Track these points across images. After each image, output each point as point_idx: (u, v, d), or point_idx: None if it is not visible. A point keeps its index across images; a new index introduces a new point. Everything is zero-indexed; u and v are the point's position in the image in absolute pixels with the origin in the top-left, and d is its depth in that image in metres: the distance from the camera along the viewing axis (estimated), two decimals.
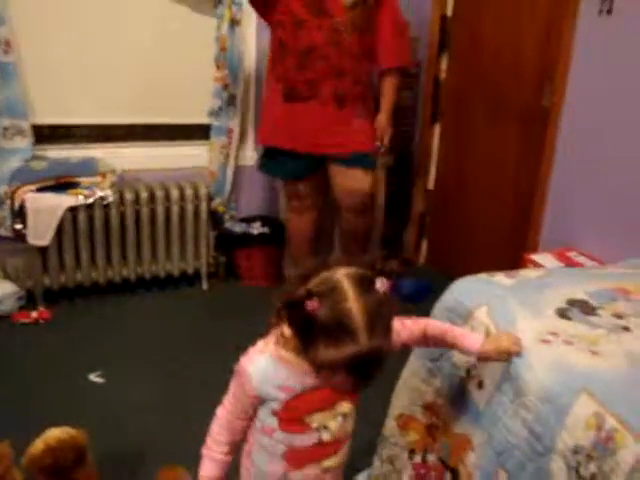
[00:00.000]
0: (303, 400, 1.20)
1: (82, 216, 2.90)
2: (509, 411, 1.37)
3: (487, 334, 1.47)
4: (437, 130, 3.58)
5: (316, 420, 1.23)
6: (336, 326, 1.04)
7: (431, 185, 3.70)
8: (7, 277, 2.95)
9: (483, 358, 1.41)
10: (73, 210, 2.87)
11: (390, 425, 1.75)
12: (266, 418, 1.24)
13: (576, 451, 1.20)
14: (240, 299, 3.21)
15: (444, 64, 3.46)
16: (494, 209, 3.24)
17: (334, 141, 2.73)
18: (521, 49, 2.96)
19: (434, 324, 1.42)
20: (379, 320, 1.07)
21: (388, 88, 2.80)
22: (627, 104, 2.42)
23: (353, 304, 1.05)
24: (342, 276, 1.08)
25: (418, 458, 1.67)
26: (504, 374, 1.39)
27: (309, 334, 1.07)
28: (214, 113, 3.22)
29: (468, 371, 1.55)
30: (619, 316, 1.49)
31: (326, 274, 1.10)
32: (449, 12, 3.39)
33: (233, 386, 1.26)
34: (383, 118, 2.80)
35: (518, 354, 1.36)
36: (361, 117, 2.76)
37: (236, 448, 1.31)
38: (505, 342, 1.37)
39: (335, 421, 1.25)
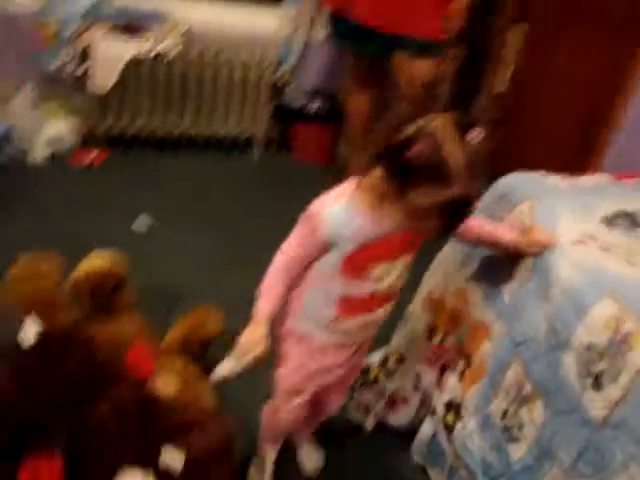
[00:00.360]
0: (371, 249, 1.24)
1: (146, 66, 2.91)
2: (533, 303, 1.38)
3: (522, 229, 1.46)
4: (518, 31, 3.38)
5: (378, 270, 1.28)
6: (436, 170, 1.08)
7: (502, 88, 3.54)
8: (69, 116, 3.01)
9: (515, 249, 1.41)
10: (137, 59, 2.87)
11: (417, 303, 1.79)
12: (327, 264, 1.27)
13: (589, 348, 1.22)
14: (289, 173, 3.23)
15: None
16: (563, 123, 3.10)
17: (407, 21, 2.60)
18: None
19: (480, 225, 1.42)
20: (475, 167, 1.10)
21: None
22: None
23: (454, 149, 1.08)
24: (440, 123, 1.10)
25: (437, 339, 1.71)
26: (535, 266, 1.39)
27: (407, 179, 1.10)
28: None
29: (501, 260, 1.55)
30: None
31: (423, 122, 1.11)
32: None
33: (299, 231, 1.27)
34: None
35: (550, 247, 1.35)
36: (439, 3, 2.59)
37: (289, 292, 1.34)
38: (538, 234, 1.37)
39: (394, 273, 1.30)
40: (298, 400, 1.48)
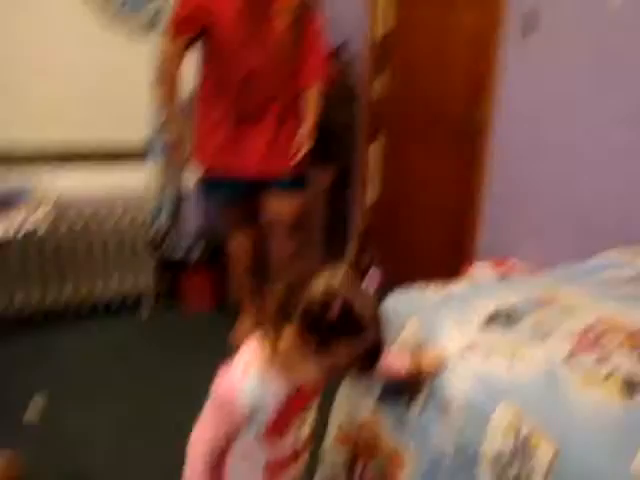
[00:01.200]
0: (290, 405, 1.25)
1: (16, 245, 2.84)
2: (437, 424, 1.40)
3: (413, 349, 1.51)
4: (375, 147, 3.65)
5: (297, 422, 1.29)
6: (353, 324, 1.13)
7: (370, 202, 3.76)
8: None
9: (410, 379, 1.46)
10: (6, 240, 2.79)
11: (330, 439, 1.77)
12: (247, 440, 1.24)
13: (499, 457, 1.24)
14: (182, 326, 3.19)
15: (380, 83, 3.53)
16: (433, 223, 3.32)
17: (274, 164, 2.76)
18: (452, 66, 3.06)
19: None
20: (379, 308, 1.20)
21: (311, 101, 2.76)
22: (555, 118, 2.54)
23: (363, 302, 1.15)
24: (343, 281, 1.16)
25: (358, 471, 1.68)
26: (430, 388, 1.43)
27: (328, 337, 1.13)
28: (152, 138, 3.21)
29: (399, 385, 1.58)
30: (540, 324, 1.54)
31: (324, 282, 1.14)
32: (384, 31, 3.47)
33: (213, 420, 1.23)
34: (305, 128, 2.74)
35: (441, 371, 1.41)
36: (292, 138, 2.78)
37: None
38: (428, 360, 1.44)
39: (309, 417, 1.32)
40: None
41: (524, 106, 2.67)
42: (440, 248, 3.29)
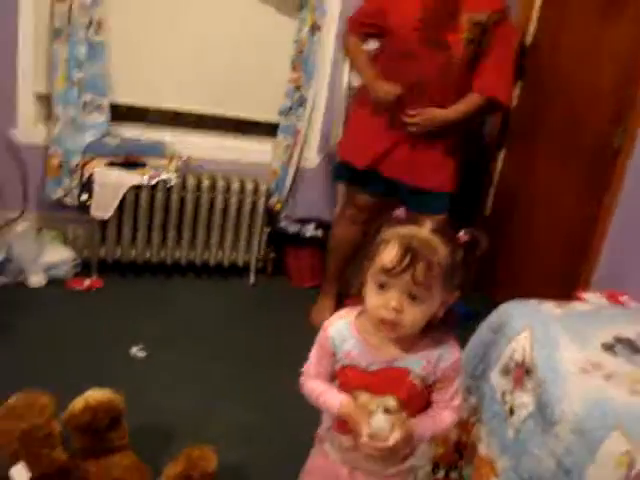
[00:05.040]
0: (357, 373, 1.26)
1: (144, 195, 3.00)
2: (539, 440, 1.36)
3: (523, 363, 1.47)
4: (501, 157, 3.57)
5: (362, 398, 1.26)
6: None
7: (488, 211, 3.68)
8: (66, 244, 3.07)
9: None
10: (137, 189, 2.96)
11: None
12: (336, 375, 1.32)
13: None
14: (285, 298, 3.26)
15: (516, 92, 3.44)
16: (549, 243, 3.20)
17: (417, 174, 2.68)
18: (597, 86, 2.93)
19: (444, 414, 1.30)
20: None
21: (468, 100, 2.58)
22: None
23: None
24: (429, 232, 1.17)
25: (441, 473, 1.67)
26: (537, 402, 1.39)
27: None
28: (284, 112, 3.29)
29: (503, 394, 1.55)
30: None
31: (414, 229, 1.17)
32: (528, 41, 3.38)
33: (316, 345, 1.33)
34: (439, 111, 2.57)
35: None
36: (449, 155, 2.69)
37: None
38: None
39: (378, 409, 1.26)
40: None
41: None
42: (551, 271, 3.16)
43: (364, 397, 1.26)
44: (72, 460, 1.63)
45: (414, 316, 1.16)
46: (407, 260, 1.12)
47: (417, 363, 1.23)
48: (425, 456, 1.43)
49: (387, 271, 1.14)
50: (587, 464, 1.22)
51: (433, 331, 1.24)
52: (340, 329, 1.28)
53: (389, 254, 1.14)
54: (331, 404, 1.28)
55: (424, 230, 1.16)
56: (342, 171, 2.89)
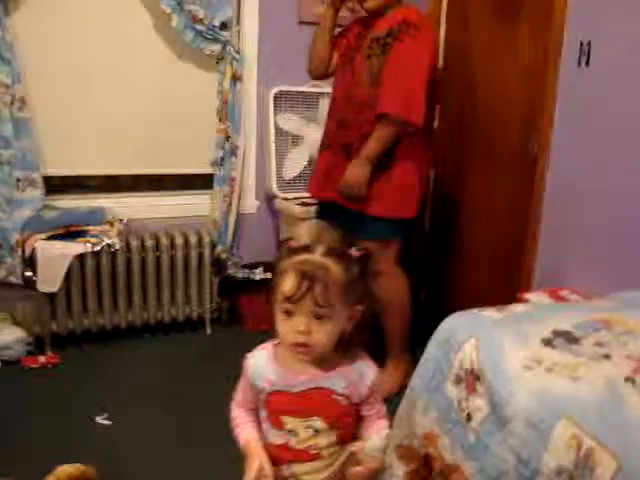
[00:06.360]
0: (281, 398, 1.32)
1: (90, 263, 3.01)
2: (497, 439, 1.44)
3: (472, 370, 1.55)
4: (432, 176, 3.71)
5: (289, 423, 1.32)
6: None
7: (426, 230, 3.80)
8: (16, 323, 3.03)
9: None
10: (81, 258, 2.97)
11: (389, 456, 1.81)
12: (260, 408, 1.38)
13: (560, 472, 1.27)
14: (243, 343, 3.27)
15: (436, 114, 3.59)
16: (488, 251, 3.33)
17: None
18: (506, 91, 3.06)
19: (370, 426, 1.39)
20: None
21: (372, 135, 2.51)
22: (607, 147, 2.55)
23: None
24: (321, 256, 1.25)
25: None
26: (490, 404, 1.47)
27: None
28: (217, 163, 3.36)
29: (459, 403, 1.63)
30: (600, 345, 1.57)
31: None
32: (439, 64, 3.55)
33: (241, 379, 1.41)
34: (352, 165, 2.56)
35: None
36: (388, 181, 2.63)
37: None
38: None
39: (305, 432, 1.32)
40: None
41: (580, 136, 2.69)
42: (492, 278, 3.29)
43: (291, 422, 1.32)
44: None
45: (323, 334, 1.24)
46: (305, 285, 1.20)
47: (339, 382, 1.31)
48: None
49: (289, 299, 1.22)
50: (542, 452, 1.30)
51: (347, 348, 1.32)
52: (259, 359, 1.37)
53: (288, 283, 1.22)
54: (240, 438, 1.37)
55: (316, 255, 1.25)
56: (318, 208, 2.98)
